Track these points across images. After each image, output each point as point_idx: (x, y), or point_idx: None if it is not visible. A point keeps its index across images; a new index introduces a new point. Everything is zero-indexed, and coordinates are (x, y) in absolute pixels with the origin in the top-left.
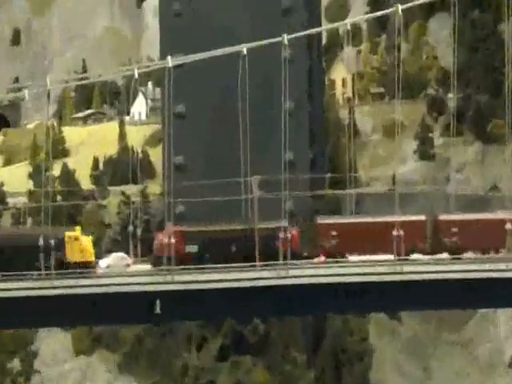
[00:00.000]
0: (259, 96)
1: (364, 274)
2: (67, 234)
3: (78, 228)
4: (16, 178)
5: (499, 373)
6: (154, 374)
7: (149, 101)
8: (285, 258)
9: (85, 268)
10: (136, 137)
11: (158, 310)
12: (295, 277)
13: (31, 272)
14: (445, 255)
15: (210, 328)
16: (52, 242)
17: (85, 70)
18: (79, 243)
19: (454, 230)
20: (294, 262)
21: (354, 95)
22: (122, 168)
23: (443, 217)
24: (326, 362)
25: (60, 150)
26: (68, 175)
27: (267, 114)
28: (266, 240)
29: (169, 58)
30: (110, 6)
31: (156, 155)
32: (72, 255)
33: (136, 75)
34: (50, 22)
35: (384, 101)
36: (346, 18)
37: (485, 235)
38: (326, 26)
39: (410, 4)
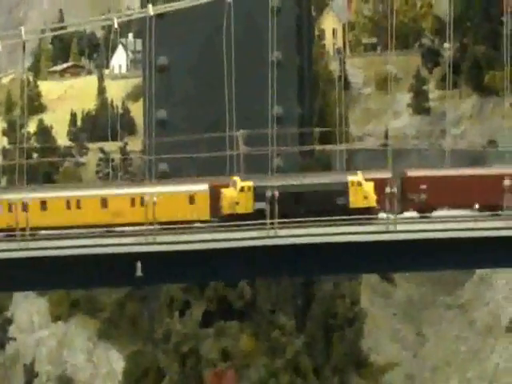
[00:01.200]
0: (245, 47)
1: (354, 233)
2: (351, 179)
3: (360, 173)
4: None
5: (497, 337)
6: (134, 341)
7: (129, 53)
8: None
9: (367, 214)
10: (116, 91)
11: (139, 272)
12: (283, 237)
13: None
14: None
15: (194, 292)
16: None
17: (62, 21)
18: (362, 188)
19: None
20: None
21: (344, 46)
22: (101, 124)
23: None
24: (315, 328)
25: (36, 105)
26: (44, 131)
27: (254, 65)
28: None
29: (150, 6)
30: None
31: (137, 110)
32: (355, 201)
33: (115, 25)
34: None
35: (376, 52)
36: None
37: None
38: None
39: None
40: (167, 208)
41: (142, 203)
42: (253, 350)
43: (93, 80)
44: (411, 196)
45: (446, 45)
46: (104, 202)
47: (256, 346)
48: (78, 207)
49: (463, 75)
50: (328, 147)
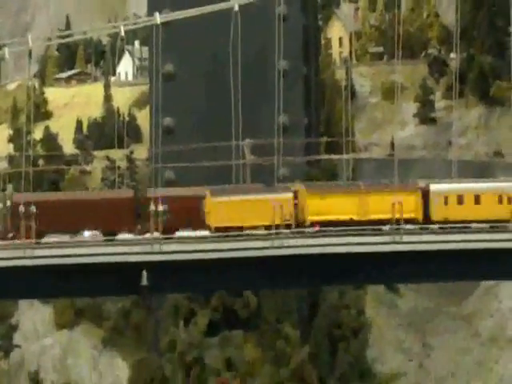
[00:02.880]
0: (252, 55)
1: (361, 244)
2: None
3: None
4: None
5: (501, 347)
6: (139, 350)
7: (136, 60)
8: None
9: None
10: (122, 98)
11: (144, 281)
12: (289, 247)
13: None
14: None
15: (199, 301)
16: None
17: (68, 27)
18: None
19: None
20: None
21: (351, 55)
22: (107, 131)
23: None
24: (320, 338)
25: (42, 112)
26: (50, 139)
27: (260, 74)
28: None
29: (157, 14)
30: None
31: (143, 118)
32: None
33: (122, 32)
34: None
35: (383, 61)
36: None
37: None
38: None
39: None
40: None
41: None
42: (258, 360)
43: (99, 87)
44: None
45: (453, 55)
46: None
47: (261, 355)
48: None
49: (469, 85)
50: (334, 157)
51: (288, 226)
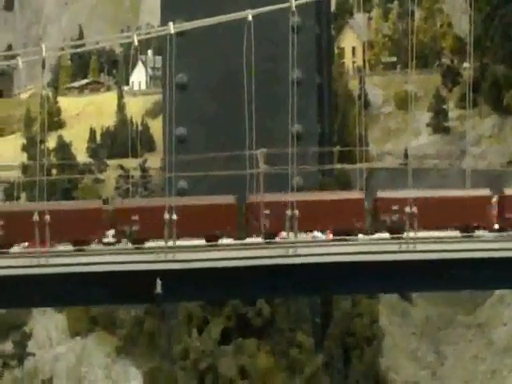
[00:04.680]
0: (265, 65)
1: (372, 253)
2: None
3: None
4: (8, 151)
5: None
6: (153, 358)
7: (149, 69)
8: None
9: None
10: (135, 107)
11: (158, 289)
12: (303, 255)
13: None
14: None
15: (212, 310)
16: None
17: (81, 37)
18: None
19: None
20: None
21: (364, 64)
22: (120, 140)
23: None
24: (333, 347)
25: (55, 121)
26: (64, 148)
27: (274, 84)
28: None
29: (171, 24)
30: None
31: (156, 127)
32: None
33: (136, 42)
34: None
35: (396, 71)
36: None
37: None
38: None
39: None
40: None
41: None
42: (271, 368)
43: (112, 96)
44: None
45: (466, 64)
46: None
47: (274, 363)
48: None
49: (483, 95)
50: (348, 166)
51: None
